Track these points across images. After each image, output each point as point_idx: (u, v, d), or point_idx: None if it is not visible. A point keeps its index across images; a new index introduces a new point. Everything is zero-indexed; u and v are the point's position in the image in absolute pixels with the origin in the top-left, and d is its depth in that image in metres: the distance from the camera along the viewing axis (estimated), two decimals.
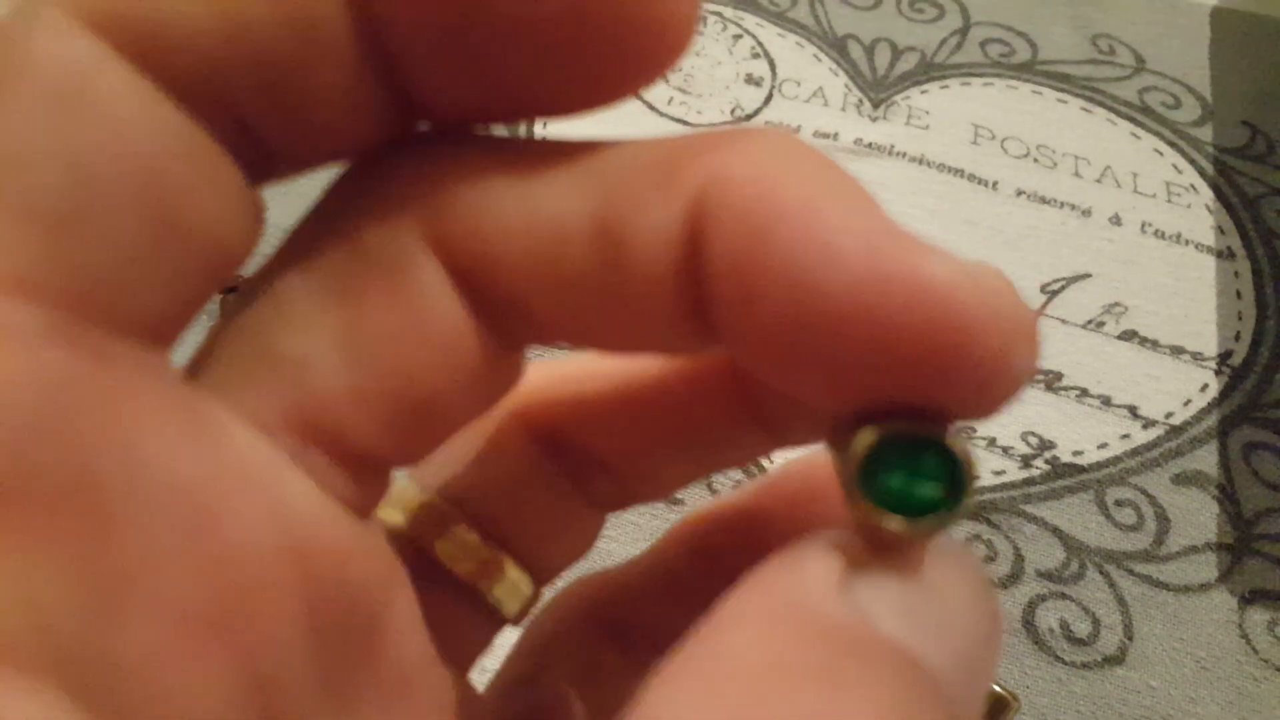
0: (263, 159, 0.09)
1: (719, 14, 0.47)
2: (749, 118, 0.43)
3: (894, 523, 0.08)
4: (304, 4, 0.08)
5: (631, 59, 0.09)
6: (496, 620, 0.12)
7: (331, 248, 0.09)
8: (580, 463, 0.12)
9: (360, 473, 0.09)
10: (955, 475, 0.09)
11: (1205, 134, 0.43)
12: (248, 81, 0.08)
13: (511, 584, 0.12)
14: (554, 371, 0.12)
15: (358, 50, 0.09)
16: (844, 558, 0.08)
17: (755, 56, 0.45)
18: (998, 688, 0.27)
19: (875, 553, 0.09)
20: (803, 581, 0.08)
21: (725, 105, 0.44)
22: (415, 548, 0.12)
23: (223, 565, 0.08)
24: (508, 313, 0.10)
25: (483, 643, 0.13)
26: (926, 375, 0.08)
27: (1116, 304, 0.38)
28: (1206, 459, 0.35)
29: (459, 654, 0.12)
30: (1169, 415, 0.36)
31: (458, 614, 0.12)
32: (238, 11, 0.08)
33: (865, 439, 0.08)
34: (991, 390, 0.08)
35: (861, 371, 0.08)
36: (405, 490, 0.12)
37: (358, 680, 0.09)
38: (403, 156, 0.10)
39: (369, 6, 0.08)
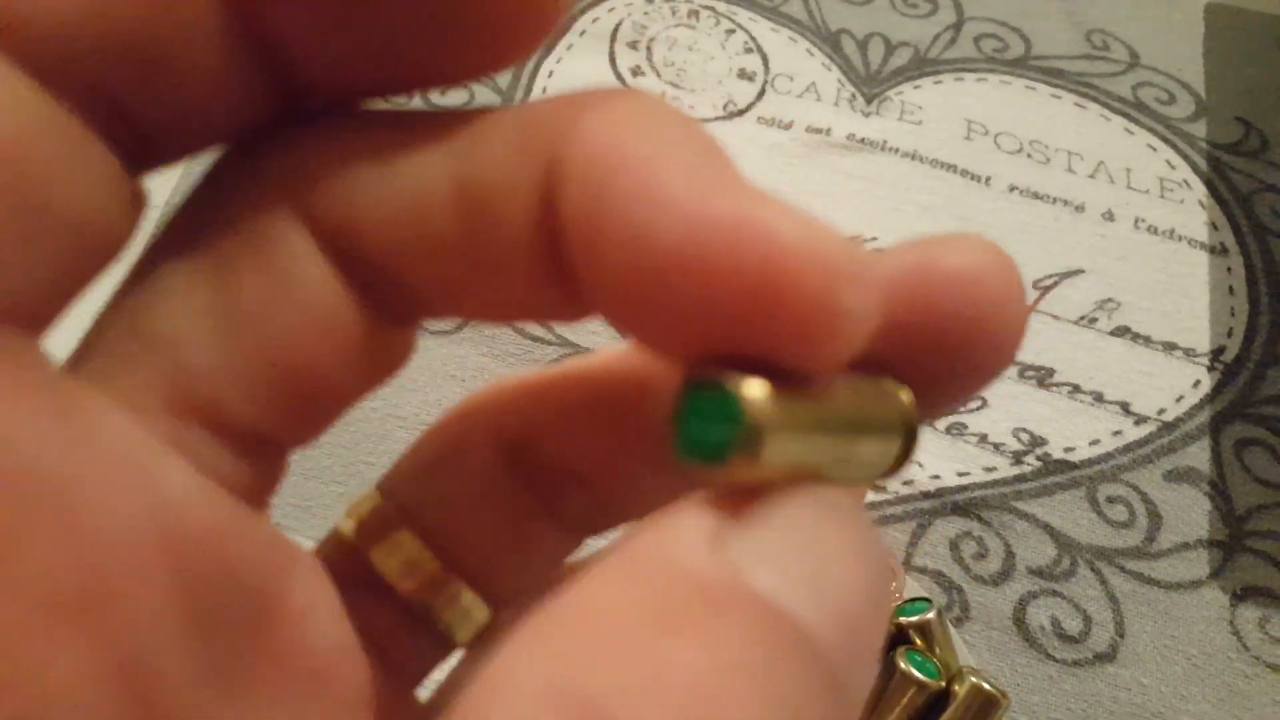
0: (142, 143, 0.09)
1: (712, 9, 0.46)
2: (741, 113, 0.43)
3: (696, 468, 0.09)
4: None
5: (505, 26, 0.09)
6: (447, 644, 0.12)
7: (205, 227, 0.09)
8: (552, 478, 0.12)
9: (247, 453, 0.09)
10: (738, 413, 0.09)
11: (1199, 130, 0.42)
12: (115, 63, 0.08)
13: (464, 610, 0.12)
14: (526, 379, 0.12)
15: (229, 28, 0.09)
16: (721, 513, 0.08)
17: (748, 51, 0.45)
18: (987, 685, 0.27)
19: (745, 506, 0.09)
20: (673, 537, 0.08)
21: (718, 100, 0.43)
22: (364, 557, 0.11)
23: (85, 550, 0.08)
24: (382, 283, 0.09)
25: (433, 662, 0.12)
26: (753, 318, 0.08)
27: (1109, 300, 0.38)
28: (1199, 455, 0.35)
29: (406, 671, 0.12)
30: (1161, 411, 0.36)
31: (405, 632, 0.12)
32: None
33: (677, 390, 0.09)
34: (817, 330, 0.08)
35: (699, 318, 0.08)
36: (364, 498, 0.12)
37: (249, 669, 0.09)
38: (276, 135, 0.10)
39: None
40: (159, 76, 0.09)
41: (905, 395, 0.10)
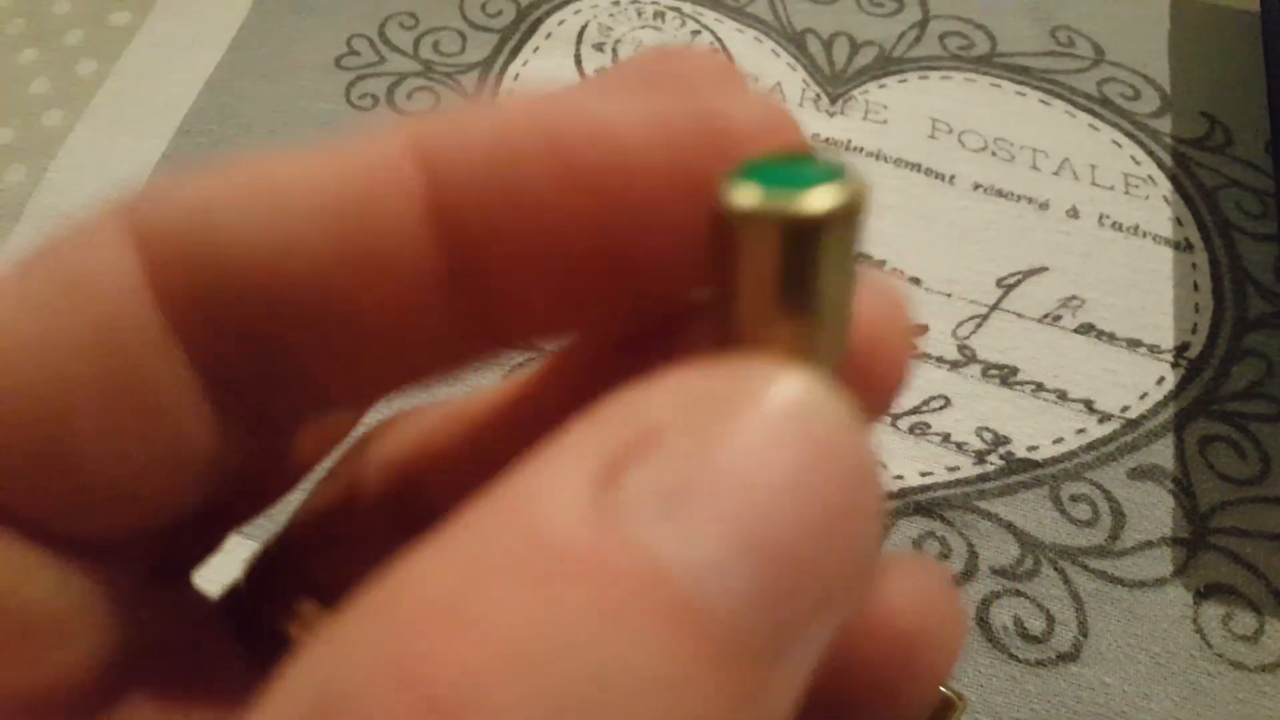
0: (308, 396, 0.09)
1: (678, 10, 0.46)
2: None
3: (748, 194, 0.08)
4: (373, 237, 0.08)
5: None
6: None
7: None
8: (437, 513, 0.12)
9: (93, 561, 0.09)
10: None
11: (1164, 125, 0.42)
12: (294, 326, 0.08)
13: None
14: (420, 416, 0.12)
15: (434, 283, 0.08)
16: (610, 447, 0.07)
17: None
18: (944, 689, 0.27)
19: (643, 434, 0.07)
20: (545, 488, 0.07)
21: None
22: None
23: None
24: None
25: None
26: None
27: (1074, 297, 0.38)
28: (1162, 453, 0.35)
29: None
30: (1125, 409, 0.36)
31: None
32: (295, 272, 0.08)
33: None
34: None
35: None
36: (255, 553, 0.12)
37: None
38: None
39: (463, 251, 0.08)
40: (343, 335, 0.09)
41: None
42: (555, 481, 0.07)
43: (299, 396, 0.09)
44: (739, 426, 0.07)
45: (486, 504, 0.07)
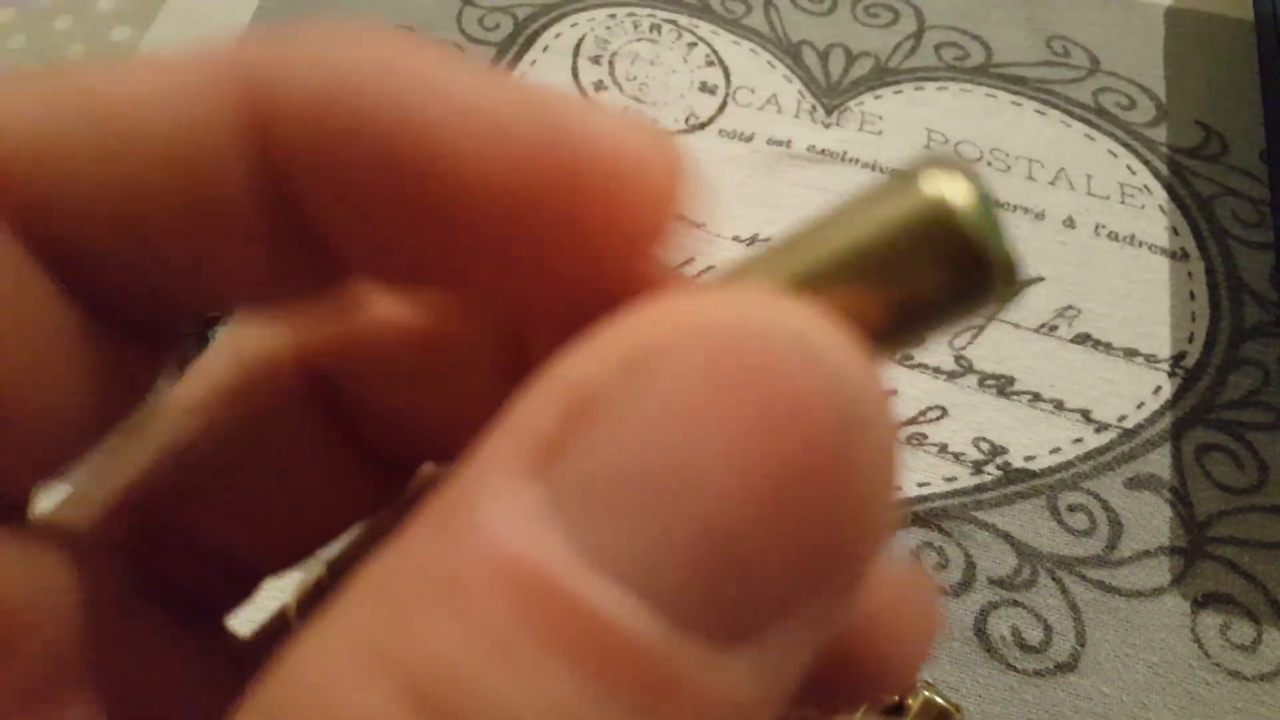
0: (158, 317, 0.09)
1: (674, 22, 0.46)
2: (703, 126, 0.43)
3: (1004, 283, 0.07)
4: (205, 184, 0.08)
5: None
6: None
7: None
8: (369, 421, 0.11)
9: None
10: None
11: (1159, 134, 0.42)
12: (140, 256, 0.08)
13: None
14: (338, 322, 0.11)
15: (263, 223, 0.08)
16: (544, 451, 0.07)
17: (710, 64, 0.45)
18: (940, 699, 0.27)
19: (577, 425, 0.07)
20: (478, 499, 0.07)
21: (680, 113, 0.43)
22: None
23: None
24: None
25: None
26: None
27: (1070, 307, 0.38)
28: (1159, 462, 0.35)
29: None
30: (1122, 418, 0.36)
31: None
32: (133, 195, 0.08)
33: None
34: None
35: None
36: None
37: None
38: None
39: (283, 186, 0.08)
40: (185, 268, 0.09)
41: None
42: (490, 487, 0.07)
43: (167, 307, 0.09)
44: (674, 387, 0.06)
45: (425, 521, 0.07)
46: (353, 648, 0.06)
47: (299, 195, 0.08)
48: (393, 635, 0.06)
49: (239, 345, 0.11)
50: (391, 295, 0.10)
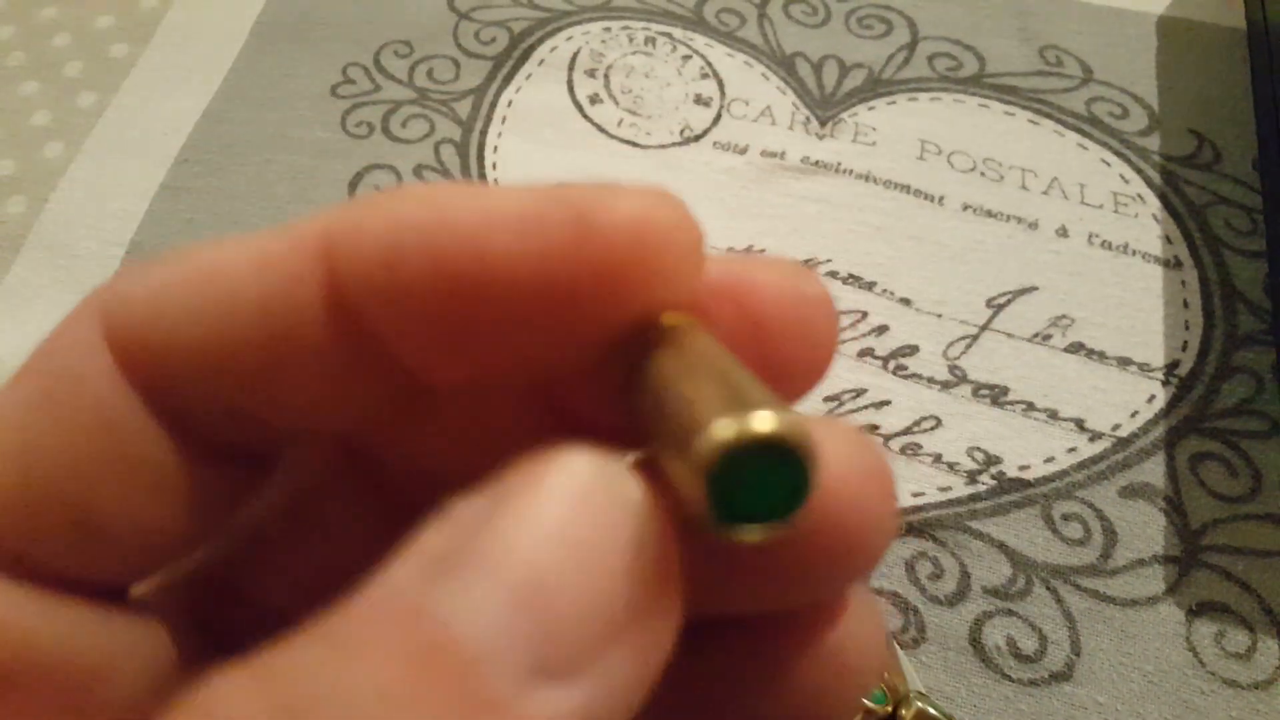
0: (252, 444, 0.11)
1: (669, 35, 0.47)
2: (698, 138, 0.43)
3: (746, 538, 0.09)
4: (290, 329, 0.10)
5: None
6: None
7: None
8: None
9: (60, 593, 0.10)
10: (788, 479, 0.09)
11: (1152, 143, 0.43)
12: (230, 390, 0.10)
13: None
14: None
15: (341, 350, 0.10)
16: (443, 557, 0.09)
17: (704, 77, 0.45)
18: (933, 710, 0.27)
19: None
20: (391, 598, 0.08)
21: (674, 126, 0.44)
22: None
23: None
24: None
25: None
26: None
27: (1063, 316, 0.38)
28: (1154, 471, 0.35)
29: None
30: (1116, 427, 0.36)
31: None
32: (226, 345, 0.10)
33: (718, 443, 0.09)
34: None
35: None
36: None
37: None
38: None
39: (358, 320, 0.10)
40: (271, 397, 0.10)
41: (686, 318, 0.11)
42: (399, 573, 0.09)
43: (262, 438, 0.11)
44: (520, 500, 0.09)
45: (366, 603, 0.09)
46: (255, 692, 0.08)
47: (371, 326, 0.10)
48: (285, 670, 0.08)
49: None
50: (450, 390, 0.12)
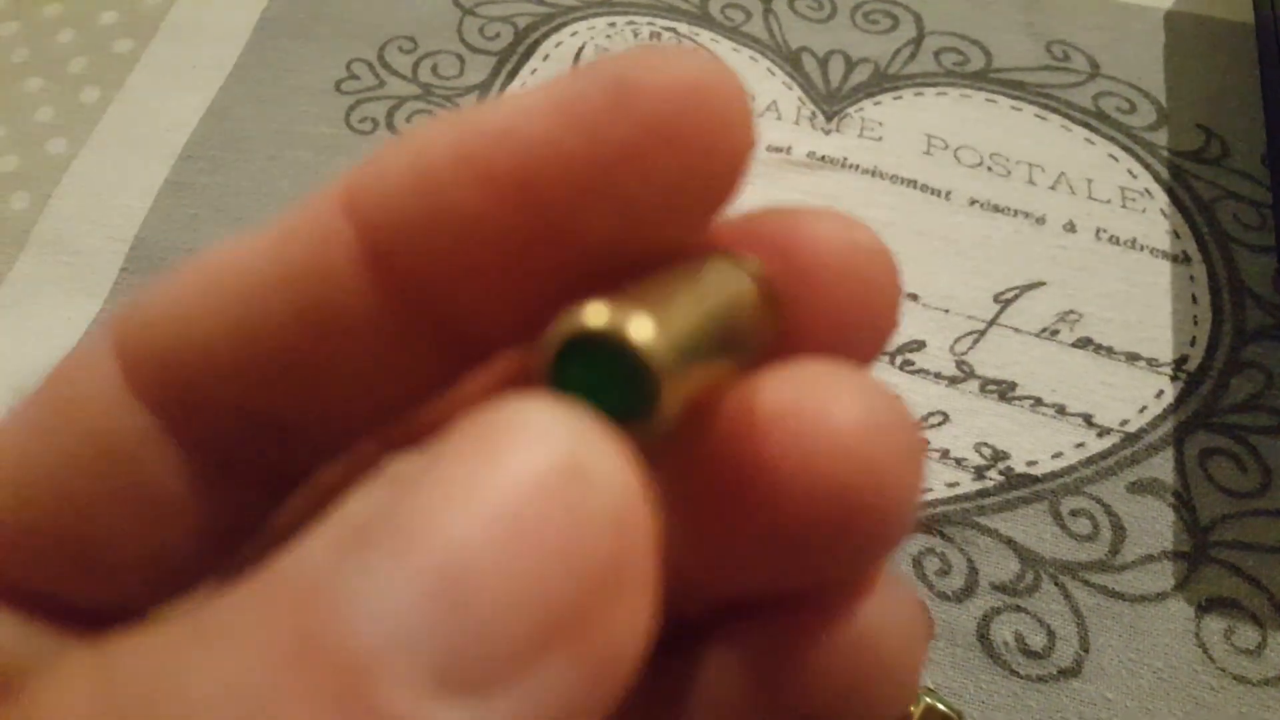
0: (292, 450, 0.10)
1: (674, 30, 0.47)
2: None
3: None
4: (326, 299, 0.09)
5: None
6: None
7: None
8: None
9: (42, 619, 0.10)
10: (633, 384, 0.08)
11: (1160, 138, 0.42)
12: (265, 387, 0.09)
13: None
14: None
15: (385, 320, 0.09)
16: (356, 537, 0.07)
17: None
18: (942, 705, 0.27)
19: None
20: (297, 585, 0.07)
21: None
22: None
23: None
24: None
25: None
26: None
27: (1071, 311, 0.38)
28: (1162, 466, 0.35)
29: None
30: (1124, 423, 0.36)
31: None
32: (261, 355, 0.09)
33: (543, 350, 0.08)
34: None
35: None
36: None
37: None
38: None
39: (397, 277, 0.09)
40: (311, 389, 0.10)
41: (749, 262, 0.10)
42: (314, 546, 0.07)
43: (288, 451, 0.10)
44: (460, 462, 0.07)
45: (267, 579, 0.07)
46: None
47: (411, 273, 0.09)
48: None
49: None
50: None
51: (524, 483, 0.07)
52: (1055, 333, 0.37)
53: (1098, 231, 0.40)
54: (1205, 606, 0.32)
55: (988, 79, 0.44)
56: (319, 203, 0.09)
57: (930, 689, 0.28)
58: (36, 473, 0.09)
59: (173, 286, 0.10)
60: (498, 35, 0.47)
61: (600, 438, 0.07)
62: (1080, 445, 0.35)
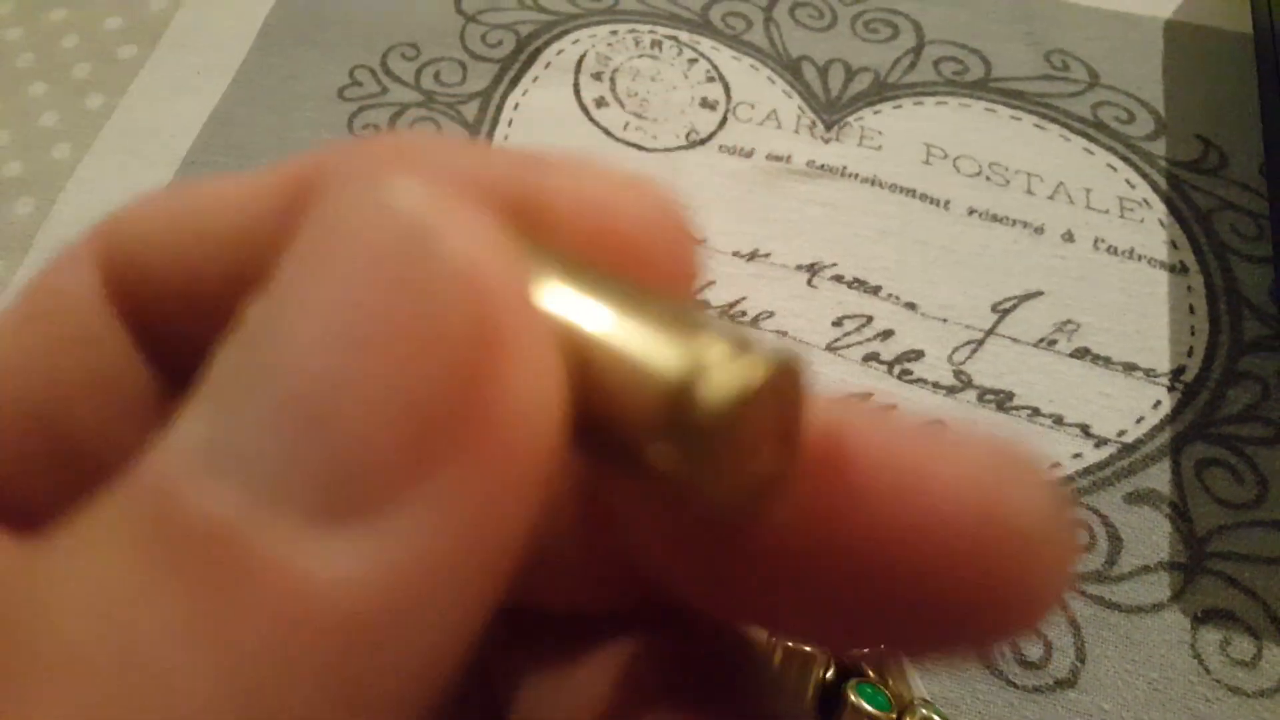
0: None
1: (675, 38, 0.47)
2: (703, 141, 0.43)
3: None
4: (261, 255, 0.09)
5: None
6: None
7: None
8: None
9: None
10: None
11: (1158, 148, 0.43)
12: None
13: None
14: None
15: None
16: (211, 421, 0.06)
17: (710, 80, 0.45)
18: (938, 717, 0.27)
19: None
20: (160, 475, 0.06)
21: (680, 129, 0.44)
22: None
23: None
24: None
25: None
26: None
27: (1069, 322, 0.38)
28: (1159, 477, 0.35)
29: None
30: (1121, 433, 0.36)
31: None
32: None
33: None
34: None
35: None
36: None
37: None
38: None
39: None
40: None
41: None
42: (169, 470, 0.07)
43: None
44: (303, 268, 0.06)
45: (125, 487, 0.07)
46: None
47: None
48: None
49: None
50: None
51: (355, 273, 0.06)
52: (1053, 343, 0.38)
53: (1096, 241, 0.40)
54: (1201, 618, 0.32)
55: (987, 88, 0.45)
56: (284, 174, 0.09)
57: (927, 700, 0.28)
58: (16, 361, 0.09)
59: (156, 206, 0.10)
60: (500, 43, 0.47)
61: (426, 199, 0.06)
62: (1077, 456, 0.35)
